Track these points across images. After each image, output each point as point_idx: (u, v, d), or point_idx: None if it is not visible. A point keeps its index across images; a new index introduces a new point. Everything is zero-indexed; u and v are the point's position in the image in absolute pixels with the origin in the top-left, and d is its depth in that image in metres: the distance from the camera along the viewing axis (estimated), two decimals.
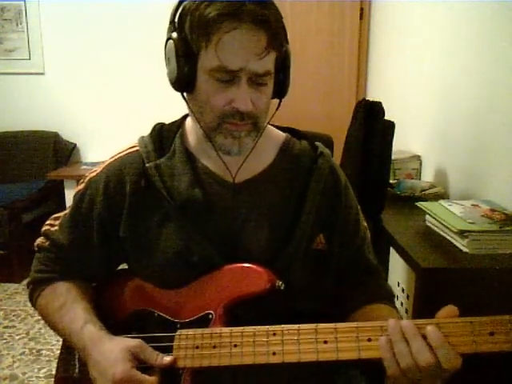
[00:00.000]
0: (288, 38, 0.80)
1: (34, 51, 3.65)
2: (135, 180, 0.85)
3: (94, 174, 0.91)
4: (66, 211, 0.93)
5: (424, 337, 0.63)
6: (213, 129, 0.78)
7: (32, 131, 3.61)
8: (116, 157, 0.90)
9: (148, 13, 3.40)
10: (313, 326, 0.69)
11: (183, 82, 0.76)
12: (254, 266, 0.78)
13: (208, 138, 0.79)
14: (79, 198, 0.90)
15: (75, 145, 3.69)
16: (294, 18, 3.30)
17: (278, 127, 0.93)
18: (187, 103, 0.81)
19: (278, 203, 0.85)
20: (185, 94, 0.80)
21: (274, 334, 0.71)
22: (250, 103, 0.74)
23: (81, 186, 0.91)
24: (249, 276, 0.78)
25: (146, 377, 0.75)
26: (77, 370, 0.91)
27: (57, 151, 3.58)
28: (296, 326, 0.70)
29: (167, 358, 0.76)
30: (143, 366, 0.77)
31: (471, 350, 0.61)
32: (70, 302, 0.87)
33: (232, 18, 0.70)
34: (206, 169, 0.86)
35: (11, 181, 3.50)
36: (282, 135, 0.92)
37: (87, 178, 0.91)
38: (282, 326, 0.71)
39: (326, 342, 0.68)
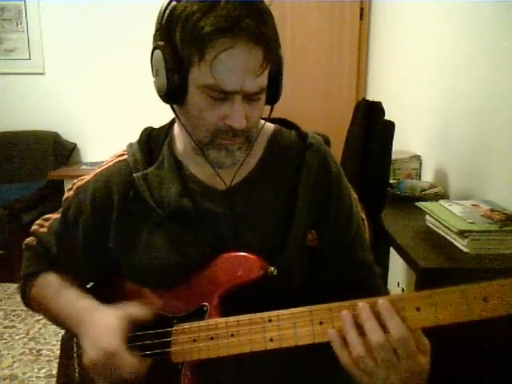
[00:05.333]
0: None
1: (33, 51, 3.65)
2: (123, 190, 0.83)
3: (82, 182, 0.89)
4: (57, 215, 0.91)
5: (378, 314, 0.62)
6: (205, 143, 0.76)
7: (32, 131, 3.61)
8: (104, 166, 0.88)
9: (148, 13, 3.39)
10: (307, 308, 0.69)
11: (174, 94, 0.73)
12: (245, 254, 0.78)
13: (200, 152, 0.77)
14: (66, 206, 0.89)
15: (75, 145, 3.69)
16: (293, 18, 3.27)
17: (268, 120, 0.89)
18: (177, 116, 0.79)
19: (269, 204, 0.83)
20: (174, 105, 0.77)
21: (270, 321, 0.70)
22: (245, 121, 0.72)
23: (69, 193, 0.90)
24: (241, 264, 0.77)
25: (129, 357, 0.73)
26: (77, 375, 0.91)
27: (57, 151, 3.58)
28: (291, 310, 0.70)
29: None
30: (136, 346, 0.76)
31: (467, 318, 0.60)
32: (65, 288, 0.87)
33: (228, 35, 0.66)
34: (194, 178, 0.84)
35: (11, 181, 3.50)
36: (271, 127, 0.89)
37: (75, 186, 0.89)
38: (277, 311, 0.70)
39: (321, 323, 0.67)
